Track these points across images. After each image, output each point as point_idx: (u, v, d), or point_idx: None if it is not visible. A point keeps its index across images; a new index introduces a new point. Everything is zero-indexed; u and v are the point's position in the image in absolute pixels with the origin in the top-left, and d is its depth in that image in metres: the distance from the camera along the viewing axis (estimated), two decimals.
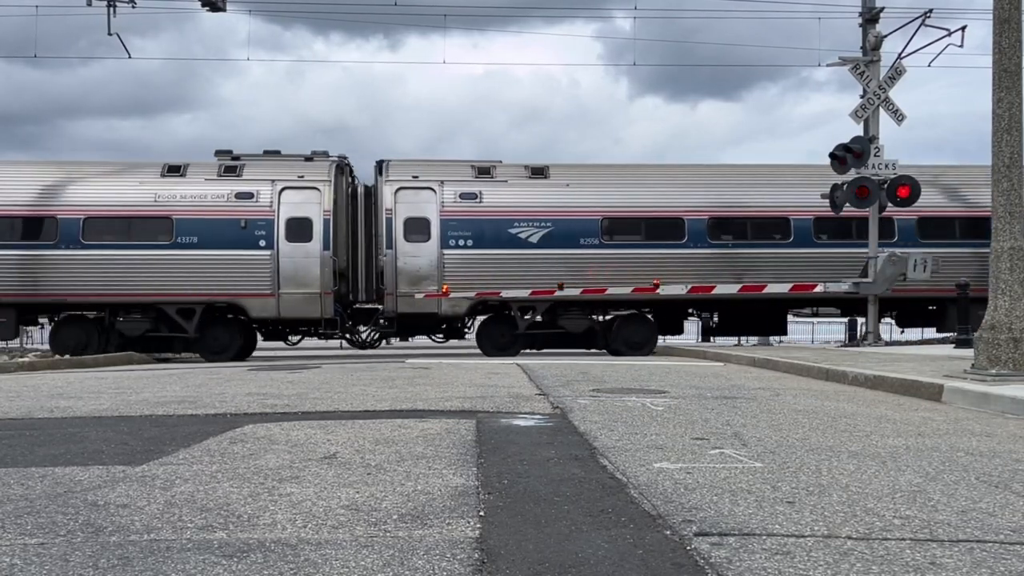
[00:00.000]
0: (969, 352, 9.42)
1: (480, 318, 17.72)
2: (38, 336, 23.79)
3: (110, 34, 18.41)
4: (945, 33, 16.98)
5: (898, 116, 15.94)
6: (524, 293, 16.68)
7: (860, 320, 18.37)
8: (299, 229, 16.60)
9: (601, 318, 17.52)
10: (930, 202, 16.83)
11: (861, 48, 17.43)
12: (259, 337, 18.02)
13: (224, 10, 18.21)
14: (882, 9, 17.62)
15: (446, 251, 16.71)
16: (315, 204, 16.70)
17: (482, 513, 3.04)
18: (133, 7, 18.50)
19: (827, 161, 15.82)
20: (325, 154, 17.58)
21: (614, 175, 18.08)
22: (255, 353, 18.11)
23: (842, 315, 20.96)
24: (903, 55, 17.07)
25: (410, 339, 18.96)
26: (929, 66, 17.76)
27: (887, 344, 16.33)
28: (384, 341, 18.90)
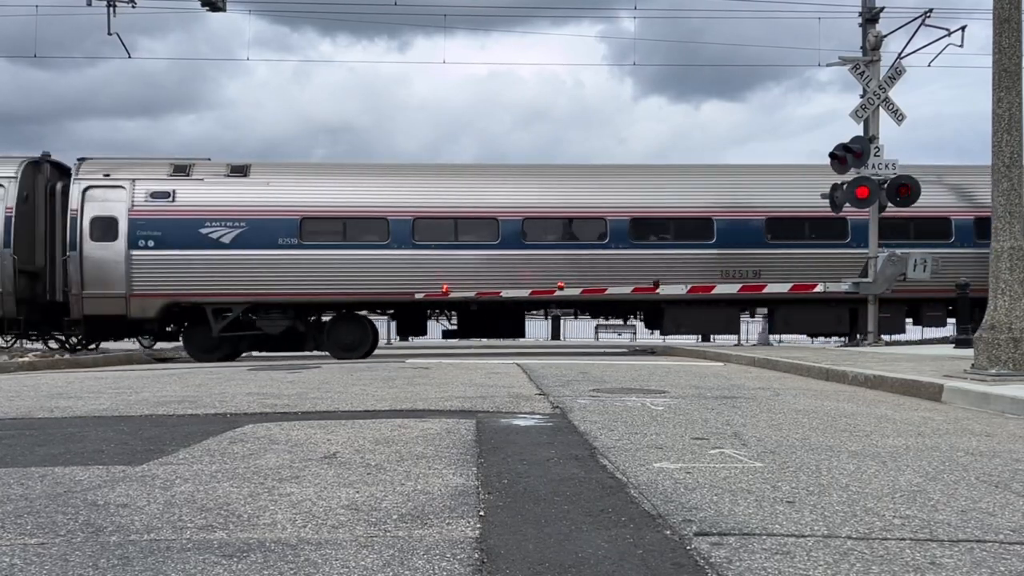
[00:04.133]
0: (969, 352, 9.42)
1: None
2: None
3: (110, 34, 18.45)
4: (945, 33, 17.01)
5: (898, 116, 15.93)
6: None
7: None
8: None
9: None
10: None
11: (861, 48, 17.44)
12: None
13: (224, 10, 18.22)
14: (882, 9, 17.63)
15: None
16: None
17: (482, 513, 3.04)
18: (133, 7, 18.51)
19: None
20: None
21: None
22: (250, 354, 18.13)
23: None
24: (903, 55, 17.09)
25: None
26: (929, 66, 17.79)
27: (887, 344, 16.33)
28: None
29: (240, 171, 17.07)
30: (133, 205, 16.41)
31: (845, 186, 15.59)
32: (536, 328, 21.98)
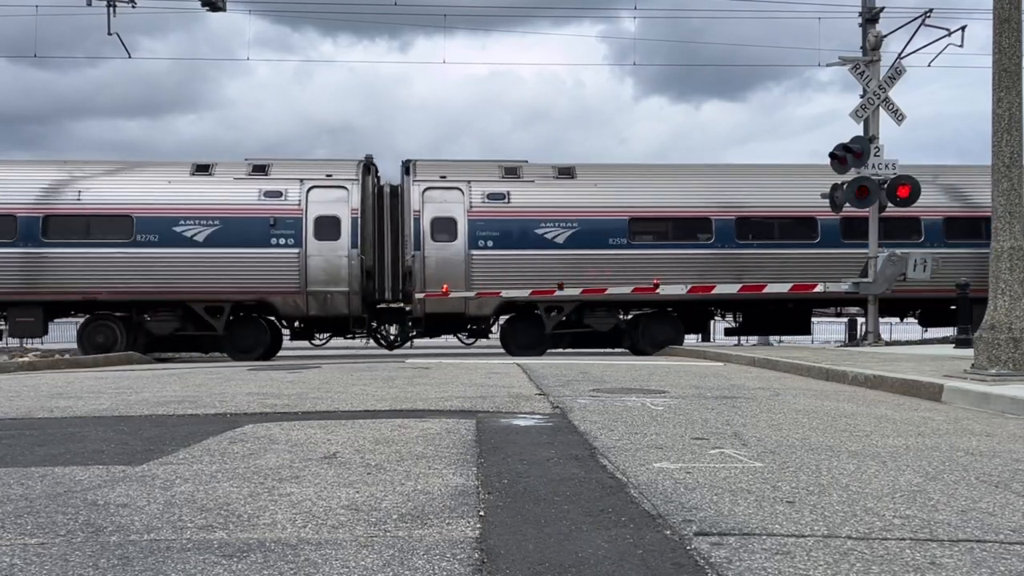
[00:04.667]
0: (969, 352, 9.42)
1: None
2: None
3: (110, 34, 18.48)
4: (945, 33, 17.02)
5: (898, 116, 15.93)
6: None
7: (860, 320, 18.36)
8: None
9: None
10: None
11: (861, 48, 17.44)
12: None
13: (224, 10, 18.22)
14: (882, 9, 17.63)
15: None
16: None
17: (482, 513, 3.04)
18: (133, 7, 18.52)
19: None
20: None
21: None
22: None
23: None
24: (903, 55, 17.09)
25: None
26: (929, 66, 17.80)
27: (887, 344, 16.33)
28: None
29: (567, 173, 17.53)
30: (471, 206, 16.83)
31: (845, 186, 15.60)
32: None
